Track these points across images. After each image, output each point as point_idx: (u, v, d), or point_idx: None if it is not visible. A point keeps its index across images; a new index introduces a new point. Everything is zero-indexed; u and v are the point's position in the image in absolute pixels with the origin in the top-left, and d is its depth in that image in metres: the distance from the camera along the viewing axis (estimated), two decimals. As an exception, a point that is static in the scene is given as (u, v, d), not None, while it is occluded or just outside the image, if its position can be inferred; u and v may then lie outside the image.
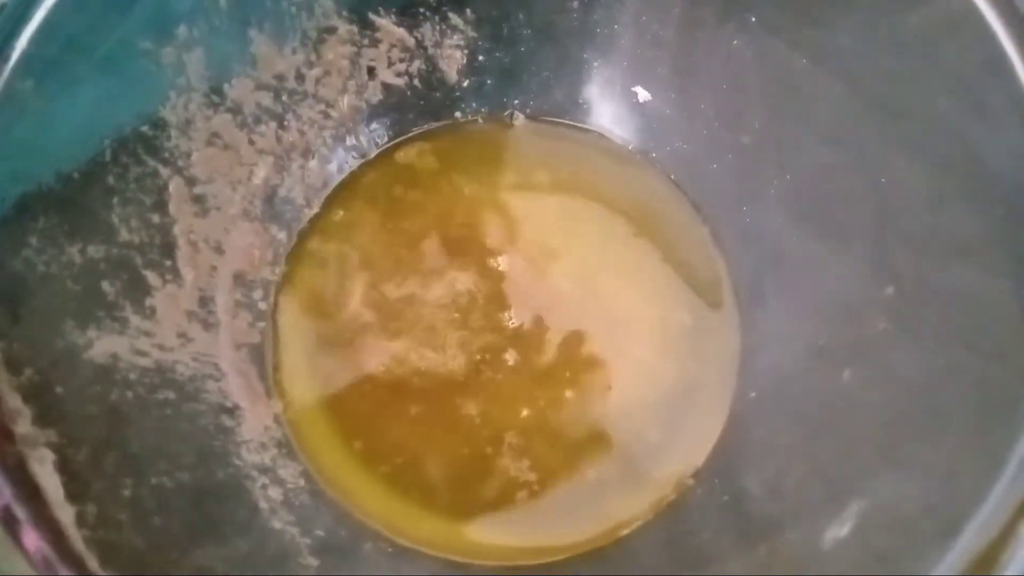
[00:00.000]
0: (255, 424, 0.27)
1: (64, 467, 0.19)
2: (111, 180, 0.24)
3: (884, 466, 0.22)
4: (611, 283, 0.30)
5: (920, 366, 0.24)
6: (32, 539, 0.16)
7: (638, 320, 0.30)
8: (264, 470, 0.26)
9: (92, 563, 0.17)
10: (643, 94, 0.33)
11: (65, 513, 0.18)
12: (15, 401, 0.19)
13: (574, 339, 0.30)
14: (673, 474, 0.27)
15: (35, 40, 0.21)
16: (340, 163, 0.32)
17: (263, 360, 0.29)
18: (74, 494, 0.18)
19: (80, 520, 0.18)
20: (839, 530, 0.20)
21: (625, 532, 0.27)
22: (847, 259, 0.28)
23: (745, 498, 0.25)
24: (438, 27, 0.31)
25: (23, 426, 0.19)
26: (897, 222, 0.27)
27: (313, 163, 0.31)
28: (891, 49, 0.26)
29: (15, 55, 0.21)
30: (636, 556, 0.27)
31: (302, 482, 0.27)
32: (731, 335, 0.29)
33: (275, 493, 0.25)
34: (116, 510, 0.19)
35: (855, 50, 0.27)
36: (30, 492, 0.17)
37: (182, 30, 0.25)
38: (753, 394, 0.28)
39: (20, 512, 0.17)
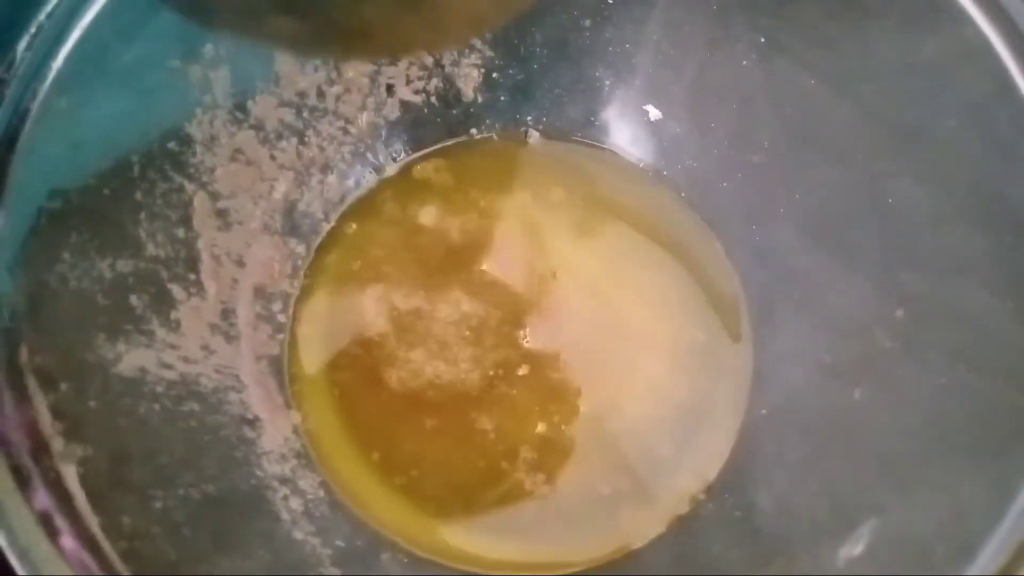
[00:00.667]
0: (275, 435, 0.27)
1: (96, 479, 0.19)
2: (139, 195, 0.25)
3: (896, 485, 0.22)
4: (625, 300, 0.31)
5: (927, 385, 0.25)
6: (72, 547, 0.17)
7: (651, 337, 0.30)
8: (285, 481, 0.26)
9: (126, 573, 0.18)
10: (655, 113, 0.34)
11: (97, 524, 0.18)
12: (49, 415, 0.19)
13: (588, 355, 0.30)
14: (685, 489, 0.28)
15: (69, 60, 0.22)
16: (358, 178, 0.33)
17: (282, 372, 0.29)
18: (106, 506, 0.19)
19: (114, 531, 0.18)
20: (852, 549, 0.21)
21: (637, 546, 0.28)
22: (855, 278, 0.28)
23: (756, 514, 0.26)
24: (457, 46, 0.32)
25: (58, 441, 0.19)
26: (904, 242, 0.27)
27: (332, 178, 0.32)
28: (900, 72, 0.26)
29: (51, 75, 0.22)
30: (648, 570, 0.27)
31: (321, 493, 0.27)
32: (743, 352, 0.30)
33: (296, 504, 0.26)
34: (148, 522, 0.20)
35: (864, 72, 0.28)
36: (68, 503, 0.18)
37: (208, 49, 0.26)
38: (764, 411, 0.28)
39: (60, 522, 0.17)
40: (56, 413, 0.19)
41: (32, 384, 0.19)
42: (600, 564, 0.28)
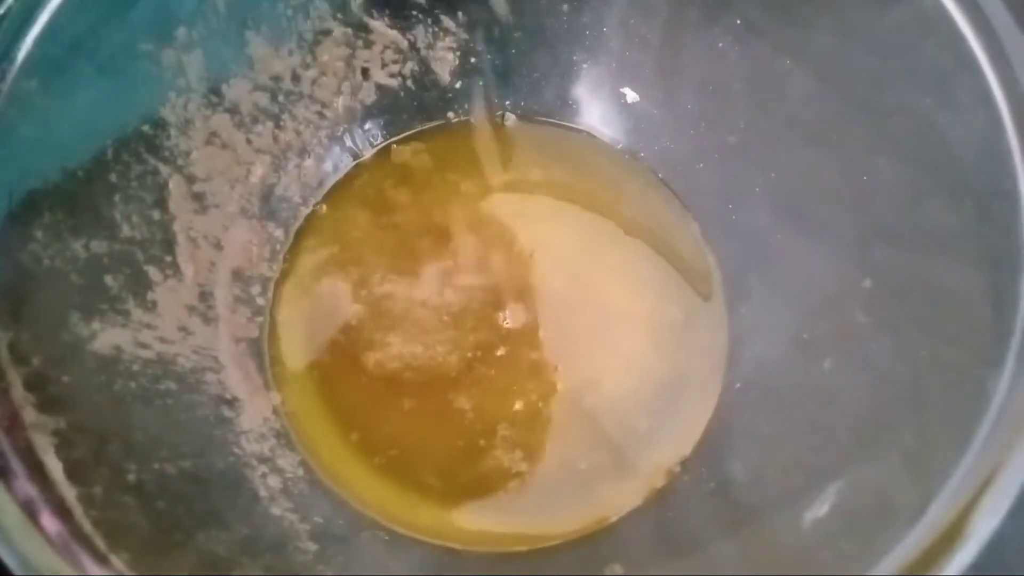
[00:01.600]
0: (254, 415, 0.27)
1: (70, 452, 0.19)
2: (113, 178, 0.25)
3: (861, 450, 0.23)
4: (602, 279, 0.31)
5: (896, 356, 0.25)
6: (50, 522, 0.17)
7: (629, 315, 0.31)
8: (263, 459, 0.26)
9: (100, 543, 0.18)
10: (631, 95, 0.34)
11: (71, 495, 0.19)
12: (21, 390, 0.19)
13: (565, 334, 0.30)
14: (662, 463, 0.28)
15: (39, 42, 0.22)
16: (336, 162, 0.33)
17: (261, 354, 0.30)
18: (80, 478, 0.19)
19: (87, 502, 0.18)
20: (818, 510, 0.21)
21: (614, 519, 0.28)
22: (828, 253, 0.29)
23: (730, 485, 0.26)
24: (431, 29, 0.32)
25: (30, 414, 0.19)
26: (876, 217, 0.27)
27: (309, 162, 0.32)
28: (869, 50, 0.27)
29: (20, 56, 0.22)
30: (625, 542, 0.28)
31: (300, 472, 0.27)
32: (719, 328, 0.30)
33: (274, 482, 0.26)
34: (121, 494, 0.20)
35: (835, 51, 0.28)
36: (42, 476, 0.18)
37: (181, 32, 0.26)
38: (739, 385, 0.29)
39: (35, 495, 0.17)
40: (29, 386, 0.19)
41: (4, 358, 0.20)
42: (578, 537, 0.28)
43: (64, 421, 0.20)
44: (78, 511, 0.18)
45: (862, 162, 0.28)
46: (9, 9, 0.22)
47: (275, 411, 0.29)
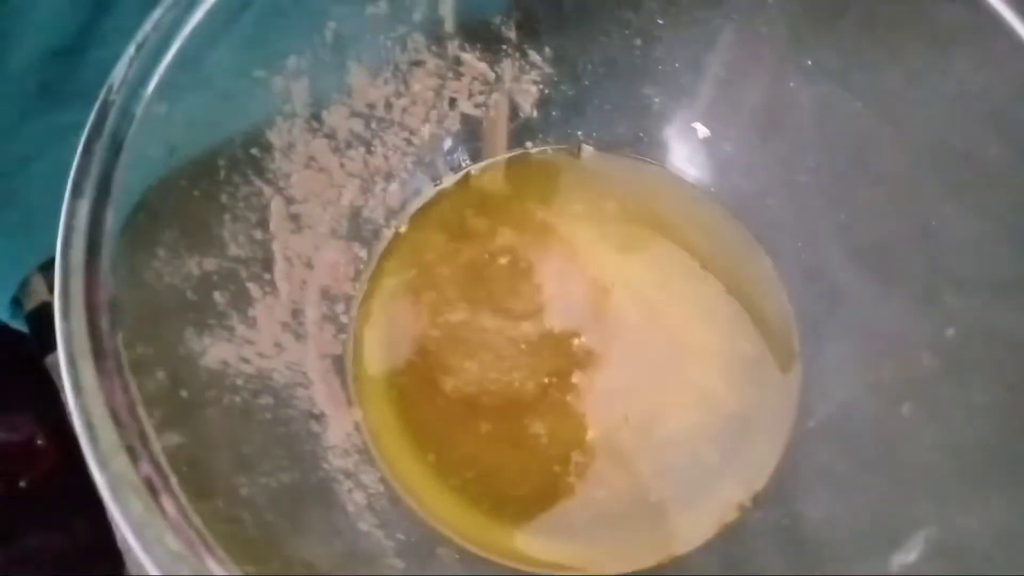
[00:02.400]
0: (338, 431, 0.28)
1: (191, 466, 0.20)
2: (224, 198, 0.26)
3: (947, 499, 0.23)
4: (676, 312, 0.32)
5: (969, 405, 0.25)
6: (176, 520, 0.18)
7: (701, 349, 0.31)
8: (348, 475, 0.27)
9: (220, 553, 0.19)
10: (703, 130, 0.35)
11: (193, 509, 0.19)
12: (146, 405, 0.20)
13: (639, 365, 0.31)
14: (732, 497, 0.29)
15: (170, 69, 0.23)
16: (418, 187, 0.34)
17: (344, 371, 0.31)
18: (201, 492, 0.20)
19: (209, 514, 0.19)
20: (906, 557, 0.21)
21: (683, 552, 0.28)
22: (900, 298, 0.29)
23: (804, 523, 0.27)
24: (518, 63, 0.33)
25: (153, 427, 0.20)
26: (948, 264, 0.28)
27: (394, 186, 0.33)
28: (939, 95, 0.27)
29: (153, 83, 0.23)
30: (695, 573, 0.28)
31: (381, 488, 0.28)
32: (792, 365, 0.31)
33: (359, 497, 0.27)
34: (237, 507, 0.21)
35: (908, 96, 0.28)
36: (167, 484, 0.19)
37: (291, 61, 0.27)
38: (812, 423, 0.29)
39: (165, 501, 0.18)
40: (153, 401, 0.20)
41: (128, 374, 0.21)
42: (646, 568, 0.29)
43: (183, 436, 0.21)
44: (198, 522, 0.19)
45: (931, 207, 0.28)
46: (146, 38, 0.23)
47: (356, 427, 0.30)
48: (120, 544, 0.32)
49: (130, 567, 0.32)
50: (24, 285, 0.34)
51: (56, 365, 0.32)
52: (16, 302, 0.34)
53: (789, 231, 0.33)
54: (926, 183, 0.29)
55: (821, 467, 0.28)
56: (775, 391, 0.30)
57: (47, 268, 0.34)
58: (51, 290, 0.34)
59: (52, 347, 0.32)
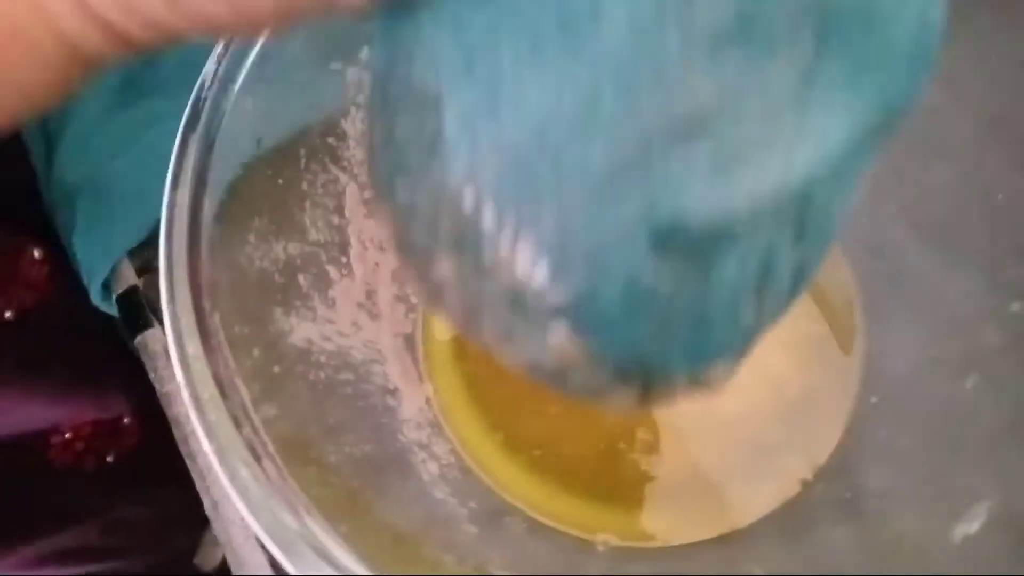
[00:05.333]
0: (411, 405, 0.30)
1: (286, 435, 0.22)
2: (304, 185, 0.27)
3: (1009, 472, 0.23)
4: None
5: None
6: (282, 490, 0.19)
7: (765, 326, 0.32)
8: (423, 446, 0.29)
9: (317, 515, 0.20)
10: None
11: (288, 473, 0.21)
12: (247, 381, 0.22)
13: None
14: (795, 472, 0.29)
15: (256, 64, 0.25)
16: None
17: (415, 348, 0.32)
18: (296, 458, 0.21)
19: (306, 480, 0.21)
20: (968, 527, 0.22)
21: (746, 524, 0.29)
22: (965, 274, 0.29)
23: (865, 496, 0.27)
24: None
25: (252, 400, 0.22)
26: (1014, 239, 0.28)
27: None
28: (1011, 69, 0.27)
29: (241, 77, 0.24)
30: (755, 545, 0.29)
31: (453, 459, 0.30)
32: (854, 342, 0.31)
33: (433, 468, 0.28)
34: (328, 473, 0.22)
35: (975, 70, 0.28)
36: (269, 455, 0.21)
37: (365, 52, 0.28)
38: (875, 399, 0.29)
39: (270, 469, 0.20)
40: (251, 377, 0.22)
41: (228, 350, 0.22)
42: (708, 540, 0.29)
43: (278, 407, 0.22)
44: (295, 486, 0.21)
45: (998, 181, 0.28)
46: (232, 40, 0.24)
47: (428, 402, 0.31)
48: (208, 511, 0.34)
49: (218, 534, 0.34)
50: (113, 270, 0.36)
51: (144, 346, 0.34)
52: (106, 286, 0.36)
53: (854, 208, 0.33)
54: (991, 157, 0.28)
55: (883, 442, 0.28)
56: (838, 368, 0.31)
57: (134, 254, 0.36)
58: (139, 274, 0.36)
59: (140, 329, 0.35)
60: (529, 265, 0.12)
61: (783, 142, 0.12)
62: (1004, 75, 0.27)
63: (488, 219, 0.12)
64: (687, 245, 0.12)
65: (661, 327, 0.13)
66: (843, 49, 0.12)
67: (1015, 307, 0.28)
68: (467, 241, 0.12)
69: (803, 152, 0.12)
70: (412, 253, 0.14)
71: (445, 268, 0.13)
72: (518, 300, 0.13)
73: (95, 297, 0.36)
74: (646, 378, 0.14)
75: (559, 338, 0.13)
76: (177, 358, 0.20)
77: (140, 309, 0.35)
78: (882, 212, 0.32)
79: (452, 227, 0.12)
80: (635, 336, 0.13)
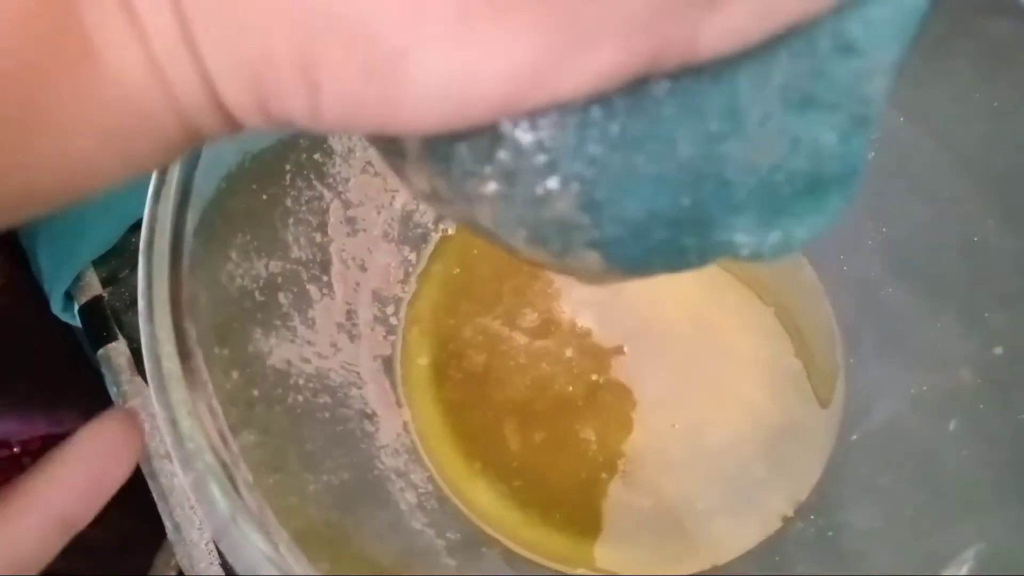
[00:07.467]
0: (389, 430, 0.29)
1: (265, 464, 0.21)
2: (288, 202, 0.26)
3: (993, 516, 0.23)
4: (724, 324, 0.32)
5: (1010, 422, 0.26)
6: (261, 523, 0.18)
7: (747, 361, 0.32)
8: (400, 474, 0.28)
9: (296, 550, 0.19)
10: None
11: (269, 508, 0.20)
12: (224, 405, 0.21)
13: (686, 377, 0.31)
14: (776, 508, 0.29)
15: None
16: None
17: (393, 371, 0.31)
18: (276, 488, 0.20)
19: (284, 514, 0.20)
20: (956, 570, 0.22)
21: (726, 560, 0.29)
22: (942, 313, 0.30)
23: (846, 535, 0.27)
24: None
25: (230, 428, 0.21)
26: (989, 281, 0.28)
27: (444, 191, 0.33)
28: (987, 114, 0.27)
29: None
30: (735, 582, 0.29)
31: (430, 487, 0.29)
32: (835, 379, 0.31)
33: (410, 496, 0.27)
34: (307, 504, 0.21)
35: (952, 113, 0.29)
36: (248, 485, 0.20)
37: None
38: (855, 436, 0.30)
39: (249, 501, 0.19)
40: (230, 400, 0.21)
41: (207, 372, 0.21)
42: (690, 574, 0.29)
43: (256, 433, 0.21)
44: (275, 526, 0.20)
45: (975, 222, 0.29)
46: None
47: (405, 427, 0.30)
48: (170, 535, 0.33)
49: (180, 558, 0.33)
50: (77, 279, 0.34)
51: (107, 359, 0.33)
52: (68, 296, 0.35)
53: (832, 242, 0.34)
54: (970, 199, 0.29)
55: (864, 480, 0.28)
56: (819, 404, 0.31)
57: (99, 263, 0.34)
58: (104, 284, 0.35)
59: (103, 341, 0.33)
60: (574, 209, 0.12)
61: None
62: (981, 117, 0.28)
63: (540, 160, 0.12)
64: None
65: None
66: None
67: (998, 351, 0.28)
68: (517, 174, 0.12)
69: None
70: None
71: (490, 188, 0.12)
72: (561, 225, 0.12)
73: (56, 306, 0.35)
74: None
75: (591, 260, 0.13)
76: (153, 379, 0.19)
77: (105, 320, 0.34)
78: (858, 247, 0.32)
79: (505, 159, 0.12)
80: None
